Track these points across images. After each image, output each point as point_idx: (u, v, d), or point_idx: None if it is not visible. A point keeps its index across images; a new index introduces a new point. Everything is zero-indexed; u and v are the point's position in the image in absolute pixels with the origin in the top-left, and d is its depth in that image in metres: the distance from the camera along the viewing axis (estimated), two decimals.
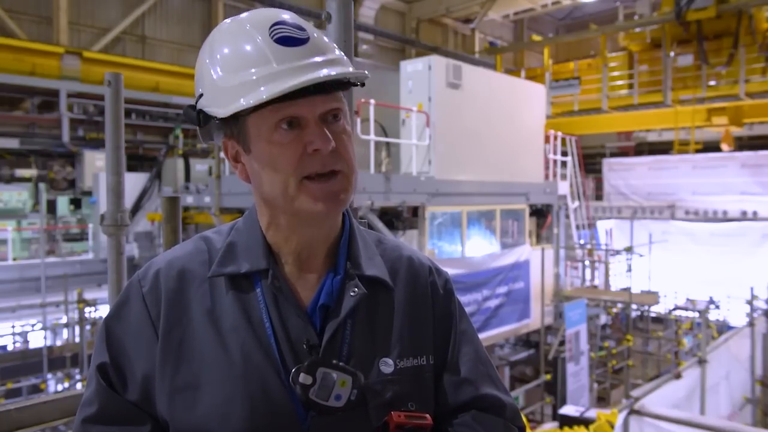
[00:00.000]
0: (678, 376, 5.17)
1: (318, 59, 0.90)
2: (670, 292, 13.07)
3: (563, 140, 10.86)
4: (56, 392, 8.27)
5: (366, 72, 0.93)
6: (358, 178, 0.97)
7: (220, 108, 0.91)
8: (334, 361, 0.91)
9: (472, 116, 8.36)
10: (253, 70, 0.88)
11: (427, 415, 0.94)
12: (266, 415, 0.89)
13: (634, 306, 10.63)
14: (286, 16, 0.94)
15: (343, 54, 0.96)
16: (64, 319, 9.31)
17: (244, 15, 0.96)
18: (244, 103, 0.87)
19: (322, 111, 0.90)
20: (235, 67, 0.90)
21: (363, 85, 0.94)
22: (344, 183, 0.93)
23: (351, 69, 0.93)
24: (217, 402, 0.90)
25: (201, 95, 0.95)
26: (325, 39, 0.95)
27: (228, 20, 0.97)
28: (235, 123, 0.92)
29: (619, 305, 10.73)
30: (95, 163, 11.54)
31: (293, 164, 0.89)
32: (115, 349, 0.95)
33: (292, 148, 0.89)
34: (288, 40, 0.90)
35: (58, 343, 9.47)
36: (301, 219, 0.94)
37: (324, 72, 0.87)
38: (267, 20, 0.92)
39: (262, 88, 0.86)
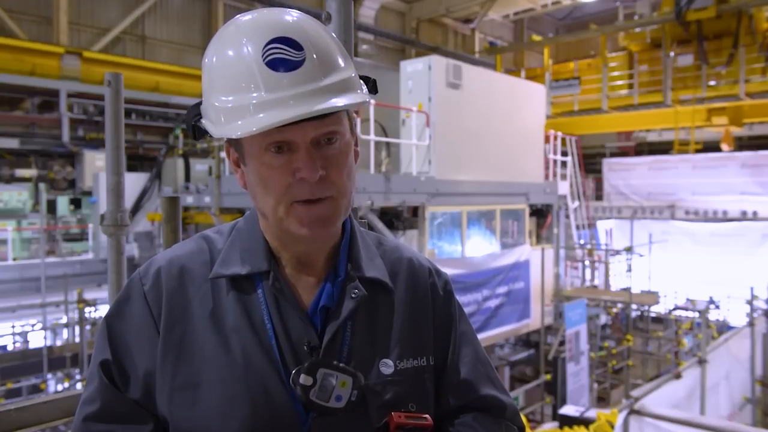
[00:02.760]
0: (678, 376, 5.17)
1: (312, 86, 0.85)
2: (670, 292, 13.07)
3: (563, 140, 10.87)
4: (56, 392, 8.28)
5: (366, 97, 0.90)
6: (352, 197, 0.95)
7: (212, 125, 0.91)
8: (335, 362, 0.91)
9: (472, 116, 8.36)
10: (241, 96, 0.85)
11: (427, 416, 0.94)
12: (267, 416, 0.89)
13: (634, 306, 10.63)
14: (289, 25, 0.88)
15: (348, 66, 0.91)
16: (64, 319, 9.30)
17: (247, 21, 0.90)
18: (233, 132, 0.85)
19: (315, 135, 0.87)
20: (226, 88, 0.87)
21: (365, 102, 0.91)
22: (332, 208, 0.91)
23: (356, 91, 0.89)
24: (218, 402, 0.90)
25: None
26: (329, 51, 0.89)
27: (232, 24, 0.92)
28: None
29: (619, 305, 10.73)
30: (95, 163, 11.54)
31: (281, 189, 0.89)
32: (117, 346, 0.95)
33: (281, 173, 0.88)
34: (280, 63, 0.85)
35: (58, 343, 9.47)
36: (289, 237, 0.95)
37: (312, 108, 0.83)
38: (265, 34, 0.86)
39: (242, 121, 0.85)
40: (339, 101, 0.86)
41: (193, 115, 0.96)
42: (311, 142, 0.88)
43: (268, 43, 0.86)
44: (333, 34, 0.95)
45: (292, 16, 0.90)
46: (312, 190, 0.88)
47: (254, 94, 0.85)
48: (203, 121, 0.93)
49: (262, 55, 0.85)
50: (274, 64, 0.85)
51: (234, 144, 0.94)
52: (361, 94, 0.91)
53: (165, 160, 12.40)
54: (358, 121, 7.05)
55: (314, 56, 0.87)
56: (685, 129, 15.17)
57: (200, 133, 0.95)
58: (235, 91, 0.86)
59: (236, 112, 0.86)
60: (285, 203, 0.90)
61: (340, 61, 0.91)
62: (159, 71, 12.77)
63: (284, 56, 0.85)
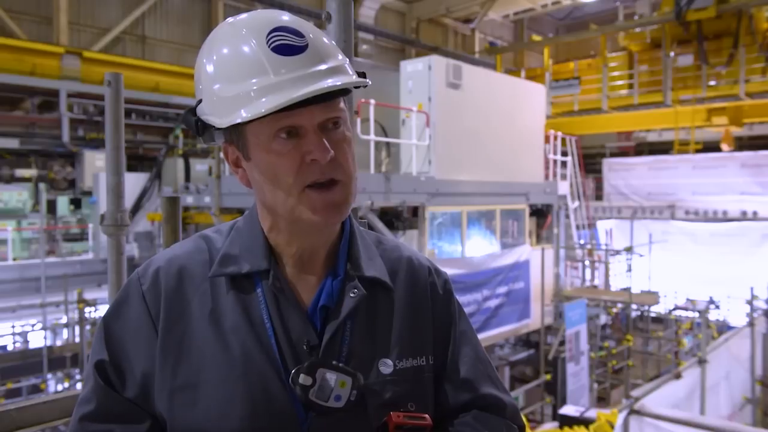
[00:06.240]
0: (678, 376, 5.17)
1: (317, 68, 0.88)
2: (670, 292, 13.08)
3: (563, 140, 10.86)
4: (56, 392, 8.28)
5: (367, 80, 0.92)
6: (357, 184, 0.96)
7: (217, 118, 0.91)
8: (334, 362, 0.91)
9: (472, 116, 8.36)
10: (250, 81, 0.87)
11: (427, 416, 0.94)
12: (266, 416, 0.89)
13: (634, 306, 10.63)
14: (286, 19, 0.92)
15: (344, 58, 0.94)
16: (64, 319, 9.31)
17: (242, 18, 0.94)
18: (243, 115, 0.86)
19: (322, 120, 0.89)
20: (232, 77, 0.89)
21: (366, 86, 0.94)
22: (343, 193, 0.92)
23: (352, 76, 0.92)
24: (217, 402, 0.90)
25: (200, 101, 0.95)
26: (326, 41, 0.93)
27: (226, 23, 0.95)
28: (235, 130, 0.91)
29: (619, 305, 10.73)
30: (95, 163, 11.54)
31: (292, 174, 0.89)
32: (114, 346, 0.95)
33: (291, 158, 0.89)
34: (286, 48, 0.88)
35: (58, 343, 9.48)
36: (300, 227, 0.94)
37: (323, 84, 0.86)
38: (264, 26, 0.90)
39: (261, 100, 0.85)
40: (350, 78, 0.91)
41: (191, 115, 0.96)
42: (318, 127, 0.89)
43: (271, 31, 0.89)
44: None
45: (285, 14, 0.94)
46: (323, 171, 0.89)
47: (265, 78, 0.87)
48: (206, 117, 0.93)
49: (267, 43, 0.88)
50: (280, 50, 0.88)
51: (236, 141, 0.93)
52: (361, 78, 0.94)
53: (165, 160, 12.40)
54: (358, 121, 7.05)
55: (314, 42, 0.91)
56: (685, 129, 15.16)
57: (204, 128, 0.94)
58: (244, 78, 0.88)
59: (247, 97, 0.87)
60: (296, 189, 0.90)
61: (335, 50, 0.94)
62: (159, 71, 12.78)
63: (289, 42, 0.89)
